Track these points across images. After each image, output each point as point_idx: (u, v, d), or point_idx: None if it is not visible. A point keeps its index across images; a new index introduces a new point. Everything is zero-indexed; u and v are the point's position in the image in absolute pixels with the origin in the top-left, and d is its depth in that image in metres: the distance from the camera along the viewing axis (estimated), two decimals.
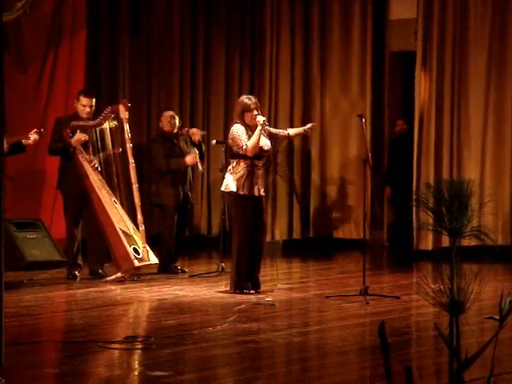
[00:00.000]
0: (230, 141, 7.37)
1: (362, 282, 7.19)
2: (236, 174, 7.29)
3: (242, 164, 7.30)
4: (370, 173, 7.69)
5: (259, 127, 7.27)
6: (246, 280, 7.31)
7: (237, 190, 7.28)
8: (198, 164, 8.58)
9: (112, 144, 8.22)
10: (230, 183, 7.32)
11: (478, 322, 5.85)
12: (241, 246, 7.29)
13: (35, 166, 9.87)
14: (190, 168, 8.73)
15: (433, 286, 3.47)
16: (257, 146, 7.28)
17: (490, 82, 10.13)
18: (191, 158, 8.52)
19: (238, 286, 7.30)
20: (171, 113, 8.74)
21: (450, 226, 3.37)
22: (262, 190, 7.41)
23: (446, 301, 3.35)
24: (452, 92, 10.25)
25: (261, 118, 7.32)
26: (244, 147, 7.25)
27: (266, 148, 7.38)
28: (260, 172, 7.37)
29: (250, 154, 7.26)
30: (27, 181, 9.80)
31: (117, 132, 8.27)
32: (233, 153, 7.37)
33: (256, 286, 7.37)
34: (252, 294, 7.25)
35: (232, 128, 7.38)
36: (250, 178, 7.28)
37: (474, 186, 3.46)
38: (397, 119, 11.06)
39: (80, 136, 8.05)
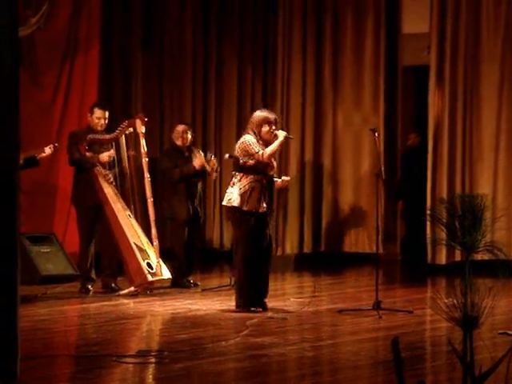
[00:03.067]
0: (239, 150, 7.17)
1: (374, 297, 7.18)
2: (240, 188, 7.12)
3: (247, 178, 7.14)
4: (382, 187, 7.68)
5: (281, 138, 7.16)
6: (253, 299, 7.12)
7: (240, 205, 7.11)
8: (206, 166, 8.57)
9: (127, 147, 8.22)
10: (233, 198, 7.14)
11: (491, 337, 5.83)
12: (243, 263, 7.13)
13: (49, 180, 9.92)
14: (200, 184, 8.74)
15: (446, 301, 3.47)
16: (274, 154, 7.20)
17: (502, 96, 10.12)
18: (198, 161, 8.53)
19: (244, 305, 7.13)
20: (184, 127, 8.74)
21: (464, 240, 3.37)
22: (267, 205, 7.16)
23: (460, 316, 3.35)
24: (464, 106, 10.24)
25: (283, 133, 7.24)
26: (260, 152, 7.08)
27: (274, 165, 7.27)
28: (266, 188, 7.16)
29: (266, 159, 7.10)
30: (41, 195, 9.84)
31: (131, 137, 8.25)
32: (238, 166, 7.19)
33: (263, 307, 7.17)
34: (260, 311, 7.07)
35: (244, 137, 7.22)
36: (254, 193, 7.11)
37: (487, 201, 3.46)
38: (409, 133, 11.05)
39: (109, 154, 8.08)
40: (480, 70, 10.18)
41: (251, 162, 7.14)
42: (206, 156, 8.72)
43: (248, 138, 7.18)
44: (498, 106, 10.12)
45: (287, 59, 11.15)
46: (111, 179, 8.18)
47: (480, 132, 10.22)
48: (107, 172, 8.18)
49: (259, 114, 7.30)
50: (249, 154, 7.14)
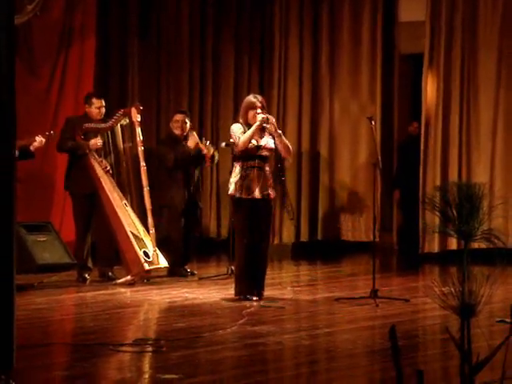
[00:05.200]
0: (231, 140, 7.28)
1: (371, 285, 7.19)
2: (236, 176, 7.13)
3: (240, 165, 7.12)
4: (379, 176, 7.68)
5: (257, 123, 7.05)
6: (249, 286, 7.13)
7: (234, 192, 7.12)
8: (201, 145, 8.54)
9: (123, 139, 8.22)
10: (230, 186, 7.18)
11: (488, 324, 5.84)
12: (241, 251, 7.13)
13: (45, 169, 9.90)
14: (197, 171, 8.73)
15: (443, 289, 3.47)
16: (247, 141, 7.04)
17: (499, 84, 10.11)
18: (191, 141, 8.52)
19: (241, 292, 7.15)
20: (183, 116, 8.71)
21: (462, 229, 3.37)
22: (269, 191, 7.15)
23: (457, 304, 3.35)
24: (461, 94, 10.23)
25: (259, 116, 7.10)
26: (236, 141, 7.09)
27: (267, 146, 7.14)
28: (262, 173, 7.11)
29: (239, 148, 7.07)
30: (37, 184, 9.83)
31: (127, 128, 8.26)
32: (233, 154, 7.24)
33: (259, 295, 7.16)
34: (256, 300, 7.06)
35: (232, 126, 7.23)
36: (247, 179, 7.07)
37: (484, 189, 3.46)
38: (411, 121, 11.04)
39: (96, 141, 8.08)
40: (477, 57, 10.17)
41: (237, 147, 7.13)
42: (201, 140, 8.74)
43: (232, 127, 7.20)
44: (495, 93, 10.11)
45: (284, 48, 11.13)
46: (108, 167, 8.17)
47: (476, 119, 10.21)
48: (104, 162, 8.16)
49: (245, 100, 7.27)
50: (233, 142, 7.18)
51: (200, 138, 8.85)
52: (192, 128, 8.88)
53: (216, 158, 8.82)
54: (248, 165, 7.12)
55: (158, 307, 7.12)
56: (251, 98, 7.26)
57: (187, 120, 8.71)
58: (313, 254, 10.83)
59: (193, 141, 8.55)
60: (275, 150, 7.23)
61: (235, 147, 7.18)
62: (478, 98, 10.20)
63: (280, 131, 7.27)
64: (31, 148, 7.92)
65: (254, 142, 7.13)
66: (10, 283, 4.58)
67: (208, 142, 8.75)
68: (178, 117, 8.71)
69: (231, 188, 7.16)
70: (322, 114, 11.10)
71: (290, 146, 7.36)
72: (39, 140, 7.90)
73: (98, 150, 8.19)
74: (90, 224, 8.24)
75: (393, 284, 8.41)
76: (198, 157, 8.61)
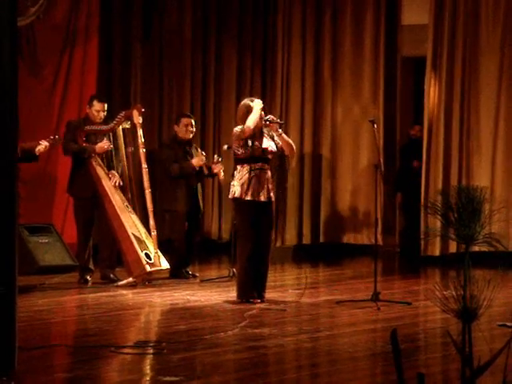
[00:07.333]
0: (234, 144, 7.19)
1: (373, 288, 7.19)
2: (240, 179, 7.11)
3: (245, 168, 7.12)
4: (381, 178, 7.68)
5: (256, 108, 7.03)
6: (251, 289, 7.14)
7: (241, 195, 7.11)
8: (204, 168, 8.58)
9: (125, 144, 8.24)
10: (235, 189, 7.15)
11: (489, 328, 5.84)
12: (245, 254, 7.12)
13: (48, 171, 9.92)
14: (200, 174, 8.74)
15: (445, 293, 3.47)
16: (254, 123, 7.01)
17: (500, 87, 10.12)
18: (197, 159, 8.54)
19: (244, 295, 7.16)
20: (190, 120, 8.70)
21: (464, 232, 3.37)
22: (271, 193, 7.18)
23: (458, 307, 3.35)
24: (462, 98, 10.24)
25: (258, 101, 7.13)
26: (243, 129, 6.99)
27: (269, 149, 7.16)
28: (266, 175, 7.15)
29: (248, 131, 6.99)
30: (40, 186, 9.84)
31: (129, 133, 8.28)
32: (237, 157, 7.20)
33: (261, 297, 7.18)
34: (258, 303, 7.08)
35: (234, 129, 7.20)
36: (253, 182, 7.08)
37: (486, 193, 3.46)
38: (413, 124, 11.04)
39: (103, 145, 8.09)
40: (479, 61, 10.18)
41: (242, 150, 7.10)
42: (213, 158, 8.76)
43: (237, 128, 7.16)
44: (496, 96, 10.12)
45: (287, 51, 11.14)
46: (117, 183, 8.16)
47: (477, 123, 10.22)
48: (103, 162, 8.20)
49: (243, 104, 7.25)
50: (239, 139, 7.10)
51: (202, 148, 8.88)
52: (199, 149, 8.89)
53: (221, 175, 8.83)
54: (253, 167, 7.12)
55: (160, 309, 7.13)
56: (249, 101, 7.23)
57: (194, 124, 8.72)
58: (315, 257, 10.82)
59: (197, 161, 8.54)
60: (277, 153, 7.24)
61: (242, 134, 7.06)
62: (479, 101, 10.20)
63: (281, 130, 7.28)
64: (36, 152, 7.92)
65: (265, 146, 7.17)
66: (13, 285, 4.59)
67: (220, 159, 8.74)
68: (187, 121, 8.68)
69: (236, 191, 7.13)
70: (324, 117, 11.11)
71: (293, 144, 7.37)
72: (44, 145, 7.92)
73: (99, 152, 8.20)
74: (92, 226, 8.25)
75: (394, 287, 8.40)
76: (199, 173, 8.62)
